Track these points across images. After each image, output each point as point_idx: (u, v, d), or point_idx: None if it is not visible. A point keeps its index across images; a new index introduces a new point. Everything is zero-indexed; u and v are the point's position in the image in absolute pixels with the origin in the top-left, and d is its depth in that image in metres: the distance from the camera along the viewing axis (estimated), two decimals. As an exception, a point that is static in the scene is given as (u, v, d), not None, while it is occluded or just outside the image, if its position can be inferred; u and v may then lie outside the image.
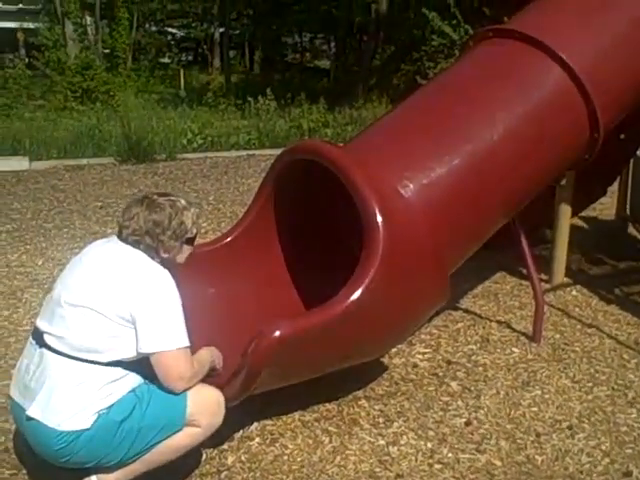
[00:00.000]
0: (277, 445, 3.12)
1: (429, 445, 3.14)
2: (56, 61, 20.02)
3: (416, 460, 3.04)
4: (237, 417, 3.03)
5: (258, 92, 14.65)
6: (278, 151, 3.80)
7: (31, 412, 2.52)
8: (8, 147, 9.95)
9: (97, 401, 2.52)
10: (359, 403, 3.43)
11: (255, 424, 3.24)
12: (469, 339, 4.13)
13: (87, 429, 2.50)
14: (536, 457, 3.08)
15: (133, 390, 2.61)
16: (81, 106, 17.29)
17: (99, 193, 7.55)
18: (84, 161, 9.23)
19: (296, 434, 3.19)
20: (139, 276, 2.59)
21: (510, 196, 3.64)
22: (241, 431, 3.19)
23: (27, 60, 22.94)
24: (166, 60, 30.07)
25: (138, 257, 2.64)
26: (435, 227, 3.24)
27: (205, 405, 2.68)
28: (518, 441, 3.18)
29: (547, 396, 3.54)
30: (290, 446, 3.11)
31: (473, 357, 3.91)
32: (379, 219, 3.00)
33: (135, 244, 2.66)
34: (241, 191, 7.69)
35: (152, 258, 2.67)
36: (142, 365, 2.63)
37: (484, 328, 4.27)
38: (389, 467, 2.99)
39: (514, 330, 4.24)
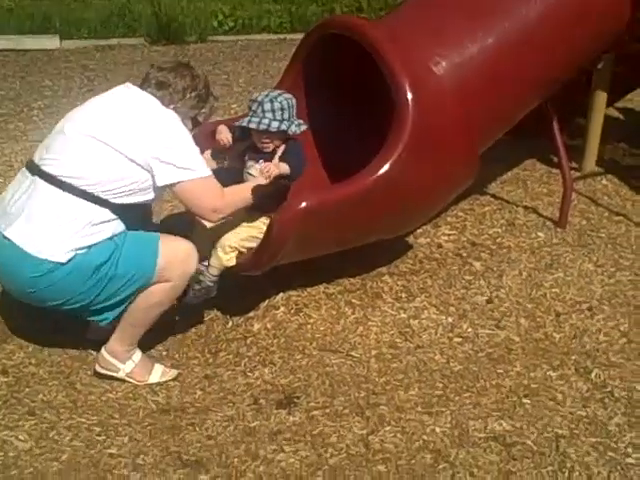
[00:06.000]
0: (301, 315, 3.21)
1: (449, 320, 3.21)
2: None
3: (436, 333, 3.12)
4: (263, 287, 3.12)
5: (291, -25, 14.26)
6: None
7: (8, 233, 2.56)
8: (38, 24, 9.85)
9: (77, 238, 2.55)
10: (382, 278, 3.50)
11: (280, 294, 3.33)
12: (495, 222, 4.13)
13: (63, 264, 2.52)
14: (554, 335, 3.14)
15: (113, 237, 2.63)
16: (111, -14, 16.99)
17: (129, 73, 7.45)
18: (114, 41, 9.15)
19: (320, 305, 3.28)
20: (153, 115, 2.66)
21: (545, 75, 3.57)
22: (266, 300, 3.28)
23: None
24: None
25: (151, 100, 2.70)
26: (465, 103, 3.21)
27: (175, 255, 2.68)
28: (537, 319, 3.24)
29: (569, 278, 3.57)
30: (314, 316, 3.20)
31: (498, 239, 3.93)
32: (409, 94, 2.99)
33: (157, 86, 2.71)
34: (272, 74, 7.56)
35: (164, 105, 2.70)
36: (126, 215, 2.65)
37: (510, 213, 4.26)
38: (410, 338, 3.08)
39: (540, 215, 4.23)
